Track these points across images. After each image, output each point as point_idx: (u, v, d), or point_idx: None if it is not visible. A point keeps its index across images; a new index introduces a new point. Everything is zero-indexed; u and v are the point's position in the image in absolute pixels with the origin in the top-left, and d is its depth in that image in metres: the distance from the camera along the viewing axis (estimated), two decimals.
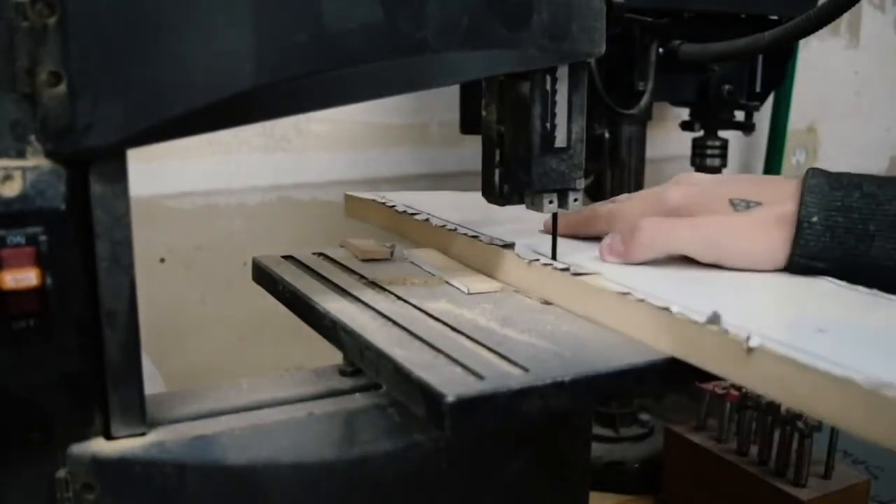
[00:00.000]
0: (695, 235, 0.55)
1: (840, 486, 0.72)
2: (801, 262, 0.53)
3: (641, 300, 0.45)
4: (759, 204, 0.55)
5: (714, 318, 0.41)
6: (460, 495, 0.52)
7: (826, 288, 0.51)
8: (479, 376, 0.41)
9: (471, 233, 0.61)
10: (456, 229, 0.62)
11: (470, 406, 0.39)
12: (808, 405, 0.37)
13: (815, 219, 0.52)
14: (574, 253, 0.57)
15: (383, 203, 0.72)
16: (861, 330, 0.43)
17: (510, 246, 0.57)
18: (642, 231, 0.55)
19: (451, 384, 0.40)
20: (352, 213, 0.77)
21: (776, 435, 0.73)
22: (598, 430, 0.88)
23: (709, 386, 0.78)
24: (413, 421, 0.48)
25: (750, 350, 0.39)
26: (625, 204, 0.61)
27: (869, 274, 0.52)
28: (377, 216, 0.73)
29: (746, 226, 0.55)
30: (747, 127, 1.02)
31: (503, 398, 0.40)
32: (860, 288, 0.51)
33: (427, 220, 0.66)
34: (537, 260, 0.54)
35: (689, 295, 0.46)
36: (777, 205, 0.54)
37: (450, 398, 0.39)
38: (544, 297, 0.53)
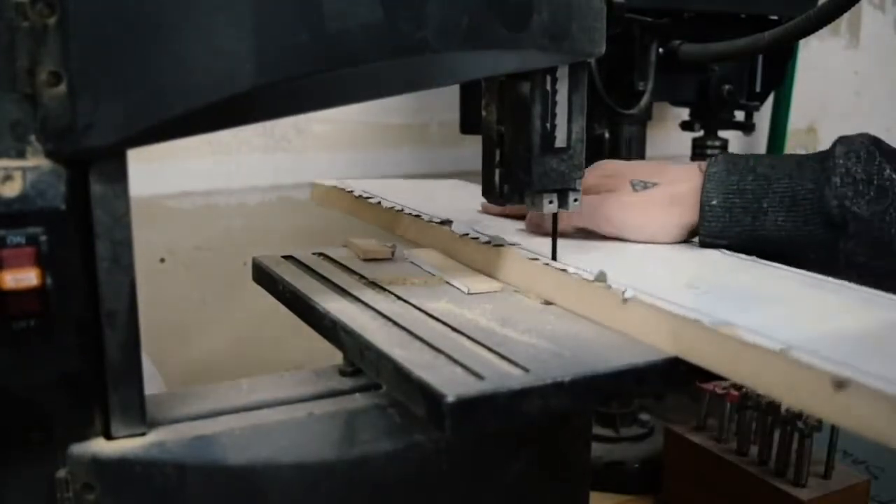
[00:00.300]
0: (593, 212, 0.63)
1: (840, 486, 0.72)
2: (706, 240, 0.61)
3: (546, 264, 0.54)
4: (655, 185, 0.63)
5: (601, 276, 0.50)
6: (461, 496, 0.52)
7: (713, 256, 0.59)
8: (480, 376, 0.41)
9: (414, 212, 0.68)
10: (402, 210, 0.69)
11: (470, 406, 0.39)
12: (668, 343, 0.44)
13: (714, 202, 0.60)
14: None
15: (343, 189, 0.78)
16: (726, 287, 0.51)
17: (447, 223, 0.64)
18: None
19: (452, 384, 0.40)
20: (318, 200, 0.84)
21: (776, 435, 0.73)
22: (598, 430, 0.88)
23: (709, 386, 0.78)
24: (413, 421, 0.48)
25: (625, 300, 0.47)
26: None
27: (764, 246, 0.59)
28: (338, 201, 0.80)
29: (641, 203, 0.63)
30: (747, 127, 1.02)
31: (503, 398, 0.40)
32: (742, 255, 0.59)
33: (379, 202, 0.72)
34: (467, 234, 0.61)
35: (591, 261, 0.54)
36: (672, 185, 0.63)
37: (450, 398, 0.39)
38: (475, 264, 0.59)
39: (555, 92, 0.51)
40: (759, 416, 0.75)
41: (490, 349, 0.44)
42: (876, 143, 0.58)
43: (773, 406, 0.73)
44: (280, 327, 1.05)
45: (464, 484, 0.51)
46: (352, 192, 0.76)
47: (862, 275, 0.55)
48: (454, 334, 0.47)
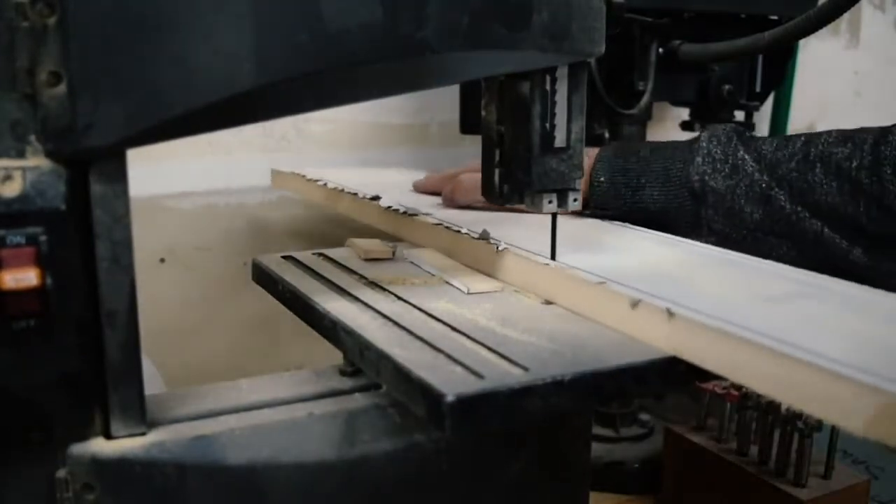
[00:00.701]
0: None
1: (840, 486, 0.72)
2: (596, 211, 0.71)
3: (447, 227, 0.64)
4: None
5: (484, 235, 0.60)
6: (460, 496, 0.52)
7: (590, 221, 0.71)
8: (479, 376, 0.41)
9: (353, 191, 0.77)
10: (343, 190, 0.78)
11: (470, 405, 0.39)
12: (529, 285, 0.55)
13: (602, 179, 0.70)
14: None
15: (297, 174, 0.89)
16: (586, 242, 0.62)
17: (377, 198, 0.73)
18: (458, 183, 0.74)
19: (452, 384, 0.40)
20: (277, 185, 0.97)
21: (776, 435, 0.73)
22: (598, 430, 0.88)
23: (709, 386, 0.78)
24: (413, 421, 0.48)
25: (499, 251, 0.58)
26: (465, 166, 0.79)
27: (643, 216, 0.69)
28: (294, 185, 0.90)
29: None
30: (747, 127, 1.02)
31: (503, 397, 0.40)
32: (616, 222, 0.70)
33: (325, 184, 0.81)
34: (390, 207, 0.70)
35: (484, 226, 0.62)
36: None
37: (450, 398, 0.39)
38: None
39: (554, 92, 0.51)
40: (759, 416, 0.75)
41: (490, 349, 0.44)
42: (737, 130, 0.69)
43: (773, 406, 0.73)
44: (280, 327, 1.05)
45: (464, 484, 0.51)
46: (303, 175, 0.87)
47: (721, 240, 0.66)
48: (454, 334, 0.47)
